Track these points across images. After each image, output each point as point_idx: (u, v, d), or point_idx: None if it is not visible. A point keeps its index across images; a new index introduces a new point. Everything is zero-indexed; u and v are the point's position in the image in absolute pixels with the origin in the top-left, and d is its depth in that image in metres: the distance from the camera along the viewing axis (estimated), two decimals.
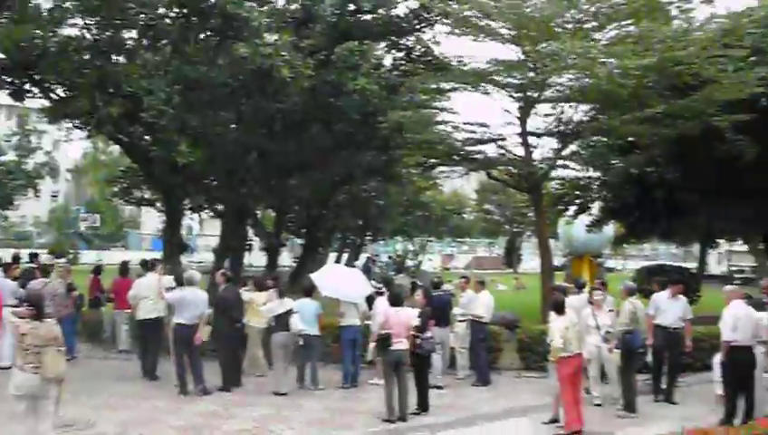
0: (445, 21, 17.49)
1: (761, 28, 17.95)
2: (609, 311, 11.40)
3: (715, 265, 60.94)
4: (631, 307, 10.81)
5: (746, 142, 17.62)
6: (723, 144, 17.88)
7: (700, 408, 11.08)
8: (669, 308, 11.73)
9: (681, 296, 12.09)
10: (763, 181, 18.94)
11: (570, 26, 16.95)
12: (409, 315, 10.70)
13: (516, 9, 15.27)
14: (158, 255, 21.29)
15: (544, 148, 19.44)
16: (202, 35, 17.99)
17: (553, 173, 21.12)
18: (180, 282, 12.44)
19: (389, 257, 44.67)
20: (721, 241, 29.36)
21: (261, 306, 12.71)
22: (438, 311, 12.44)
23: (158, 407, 11.14)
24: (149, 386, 12.56)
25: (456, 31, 17.12)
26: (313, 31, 18.92)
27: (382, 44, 21.63)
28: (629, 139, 18.76)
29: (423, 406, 10.78)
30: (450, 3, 16.04)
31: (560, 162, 19.67)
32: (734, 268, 56.20)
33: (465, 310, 13.30)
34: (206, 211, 26.90)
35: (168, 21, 17.20)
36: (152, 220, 51.62)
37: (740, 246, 44.17)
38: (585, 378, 10.91)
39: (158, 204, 25.40)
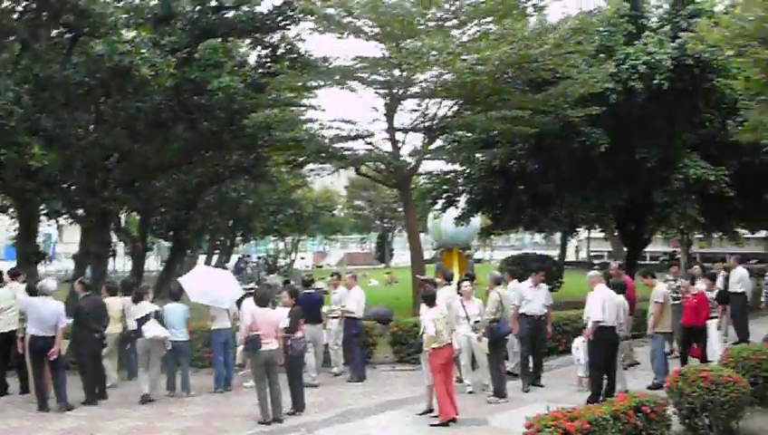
0: (309, 18, 17.37)
1: (608, 27, 19.06)
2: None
3: (576, 252, 64.11)
4: (497, 296, 11.10)
5: (599, 135, 18.67)
6: (578, 137, 18.88)
7: (565, 389, 11.66)
8: (534, 297, 12.13)
9: (543, 285, 12.58)
10: (615, 171, 20.13)
11: (432, 24, 17.31)
12: (278, 315, 10.58)
13: (379, 7, 15.35)
14: (10, 265, 19.96)
15: (411, 143, 19.81)
16: (54, 32, 17.06)
17: (421, 168, 21.56)
18: (34, 292, 11.68)
19: (259, 257, 44.06)
20: (580, 229, 30.77)
21: (116, 312, 12.19)
22: (310, 309, 12.34)
23: (12, 426, 10.43)
24: (4, 403, 11.78)
25: (320, 28, 17.10)
26: (174, 28, 18.35)
27: (246, 42, 21.29)
28: (492, 133, 19.39)
29: (297, 406, 10.66)
30: (313, 0, 15.94)
31: (427, 157, 20.05)
32: (593, 254, 59.25)
33: (337, 306, 13.28)
34: (65, 217, 25.53)
35: (14, 16, 16.15)
36: (4, 228, 48.44)
37: (598, 233, 46.55)
38: (457, 367, 11.18)
39: (11, 210, 23.83)
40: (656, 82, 17.60)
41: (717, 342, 12.49)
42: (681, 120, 19.70)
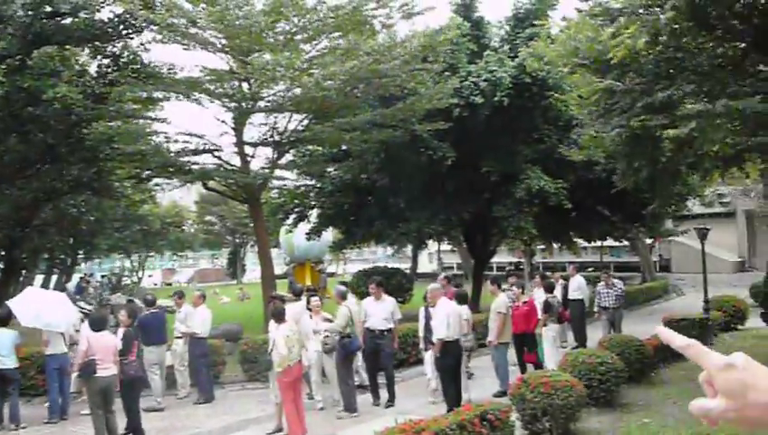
0: (152, 27, 16.71)
1: (453, 45, 19.69)
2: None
3: (428, 264, 65.63)
4: (347, 311, 11.07)
5: (446, 148, 19.22)
6: (426, 151, 19.35)
7: (416, 401, 11.74)
8: (375, 312, 11.80)
9: (387, 298, 12.25)
10: (462, 185, 20.77)
11: (281, 38, 17.18)
12: (115, 339, 10.00)
13: (225, 18, 15.02)
14: None
15: (261, 157, 19.52)
16: None
17: (273, 182, 21.29)
18: None
19: (103, 276, 41.91)
20: (430, 241, 31.53)
21: None
22: (153, 329, 11.80)
23: None
24: None
25: (164, 39, 16.47)
26: (4, 33, 17.09)
27: (86, 50, 20.18)
28: (343, 147, 19.48)
29: (136, 432, 10.10)
30: (156, 9, 15.33)
31: (277, 171, 19.83)
32: (444, 266, 60.95)
33: (182, 326, 12.77)
34: None
35: None
36: None
37: (447, 244, 47.90)
38: (307, 384, 11.03)
39: None
40: (497, 98, 18.35)
41: (552, 347, 13.09)
42: (522, 136, 20.64)
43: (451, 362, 10.64)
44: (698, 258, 20.63)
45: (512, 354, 12.82)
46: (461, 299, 11.28)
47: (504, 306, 12.22)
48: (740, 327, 19.18)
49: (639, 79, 11.71)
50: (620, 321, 16.38)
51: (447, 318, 10.52)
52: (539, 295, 14.23)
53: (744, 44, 11.66)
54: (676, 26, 10.44)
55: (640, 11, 11.46)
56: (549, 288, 13.70)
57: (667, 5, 9.80)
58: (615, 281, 16.68)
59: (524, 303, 12.74)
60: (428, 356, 11.57)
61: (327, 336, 10.96)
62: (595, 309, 16.86)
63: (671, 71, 11.59)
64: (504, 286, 15.38)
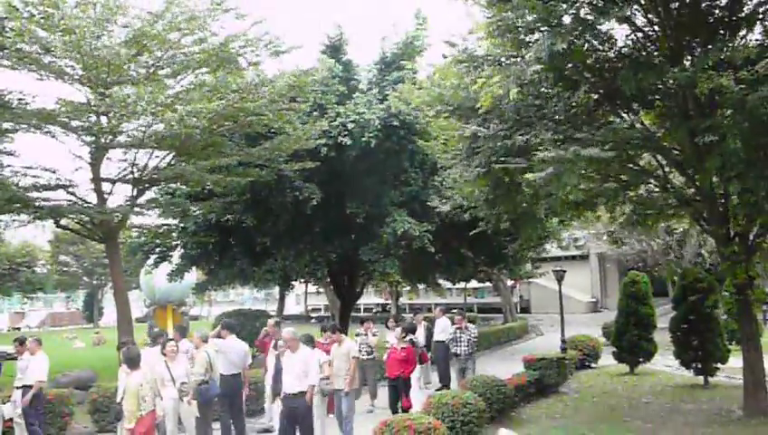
0: (0, 53, 15.65)
1: (322, 85, 19.75)
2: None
3: (294, 305, 65.07)
4: (205, 356, 10.57)
5: (312, 188, 19.11)
6: (293, 191, 19.16)
7: None
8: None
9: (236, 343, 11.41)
10: (328, 225, 20.69)
11: (143, 71, 16.60)
12: None
13: (81, 47, 14.30)
14: None
15: (120, 195, 18.62)
16: None
17: (133, 221, 20.35)
18: None
19: None
20: (295, 283, 31.15)
21: None
22: None
23: None
24: None
25: (14, 66, 15.43)
26: None
27: None
28: (207, 186, 18.92)
29: None
30: (4, 33, 14.37)
31: (137, 210, 18.94)
32: (310, 308, 60.56)
33: (21, 374, 11.66)
34: None
35: None
36: None
37: (314, 286, 47.60)
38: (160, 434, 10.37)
39: None
40: (364, 139, 18.47)
41: (415, 389, 13.08)
42: (389, 179, 20.85)
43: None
44: (556, 299, 21.46)
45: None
46: (312, 343, 10.80)
47: (356, 351, 11.99)
48: (594, 365, 19.99)
49: (502, 126, 12.11)
50: (473, 369, 14.79)
51: (306, 366, 9.80)
52: (391, 339, 14.17)
53: (596, 95, 12.32)
54: (537, 76, 10.89)
55: (503, 59, 11.91)
56: (410, 330, 13.47)
57: (529, 57, 10.19)
58: (468, 325, 15.21)
59: (402, 348, 12.59)
60: (275, 407, 11.01)
61: (183, 383, 10.39)
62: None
63: (531, 116, 12.05)
64: (358, 331, 15.32)
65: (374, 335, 15.06)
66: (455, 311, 16.16)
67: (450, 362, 15.59)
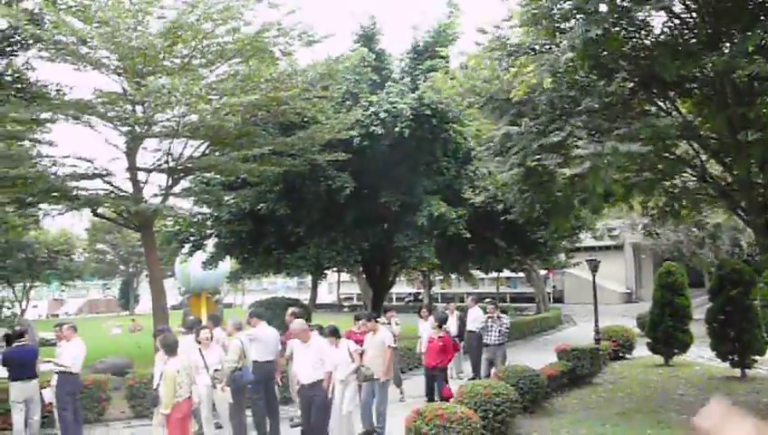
0: (39, 45, 15.91)
1: (354, 74, 19.75)
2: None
3: (327, 294, 65.41)
4: (239, 343, 10.66)
5: (345, 178, 19.14)
6: (326, 180, 19.21)
7: None
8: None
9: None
10: (361, 214, 20.73)
11: (178, 61, 16.72)
12: None
13: (116, 37, 14.45)
14: None
15: (155, 184, 18.85)
16: None
17: (167, 210, 20.58)
18: None
19: None
20: (328, 272, 31.33)
21: None
22: (21, 363, 10.98)
23: None
24: None
25: (52, 57, 15.67)
26: None
27: None
28: (241, 175, 19.06)
29: None
30: (43, 26, 14.60)
31: (172, 199, 19.19)
32: (343, 296, 60.83)
33: (57, 360, 11.83)
34: None
35: None
36: None
37: (347, 275, 47.78)
38: (196, 420, 10.50)
39: None
40: (397, 129, 18.44)
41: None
42: (422, 168, 20.80)
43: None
44: (590, 289, 21.27)
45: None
46: (335, 334, 10.78)
47: (392, 340, 11.75)
48: (628, 356, 19.81)
49: (535, 121, 12.00)
50: (503, 360, 14.46)
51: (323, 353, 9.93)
52: (424, 328, 14.15)
53: (632, 84, 12.15)
54: (572, 65, 10.76)
55: (537, 47, 11.80)
56: (442, 320, 13.22)
57: (563, 45, 10.08)
58: (501, 315, 14.83)
59: (440, 337, 12.51)
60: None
61: (216, 370, 10.51)
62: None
63: (565, 108, 11.93)
64: (381, 320, 15.25)
65: (397, 325, 15.01)
66: (487, 300, 15.98)
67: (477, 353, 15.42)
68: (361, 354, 10.95)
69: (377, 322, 11.88)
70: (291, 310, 12.81)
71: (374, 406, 11.12)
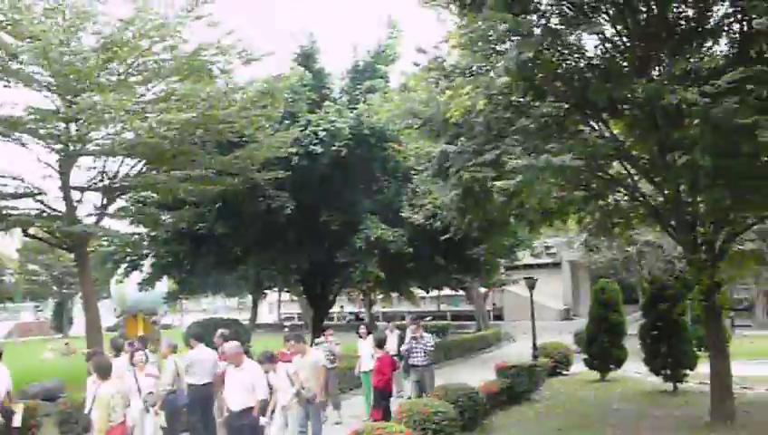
0: None
1: (293, 93, 19.72)
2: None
3: (268, 314, 64.76)
4: (173, 366, 10.46)
5: (285, 197, 19.05)
6: (265, 199, 19.08)
7: None
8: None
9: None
10: (301, 233, 20.63)
11: (114, 78, 16.45)
12: None
13: (49, 53, 14.14)
14: None
15: (89, 203, 18.41)
16: None
17: (102, 230, 20.09)
18: None
19: None
20: (268, 291, 31.04)
21: None
22: None
23: None
24: None
25: None
26: None
27: None
28: (179, 194, 18.77)
29: None
30: None
31: (107, 219, 18.76)
32: (284, 316, 60.30)
33: None
34: None
35: None
36: None
37: (287, 294, 47.38)
38: None
39: None
40: (335, 148, 18.46)
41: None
42: (362, 186, 20.86)
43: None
44: (528, 307, 21.55)
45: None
46: (269, 359, 10.32)
47: (324, 360, 11.61)
48: (565, 372, 20.10)
49: (471, 141, 12.16)
50: (432, 381, 13.97)
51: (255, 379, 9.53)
52: (363, 348, 14.09)
53: (566, 105, 12.43)
54: (507, 87, 10.96)
55: (473, 69, 12.00)
56: (380, 341, 12.77)
57: (499, 68, 10.26)
58: (424, 334, 14.13)
59: (378, 358, 12.41)
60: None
61: (149, 393, 10.26)
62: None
63: (502, 127, 12.13)
64: (317, 340, 15.14)
65: (336, 344, 14.92)
66: (428, 318, 16.00)
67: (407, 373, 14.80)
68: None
69: (304, 342, 11.29)
70: (219, 331, 12.13)
71: (308, 431, 10.91)
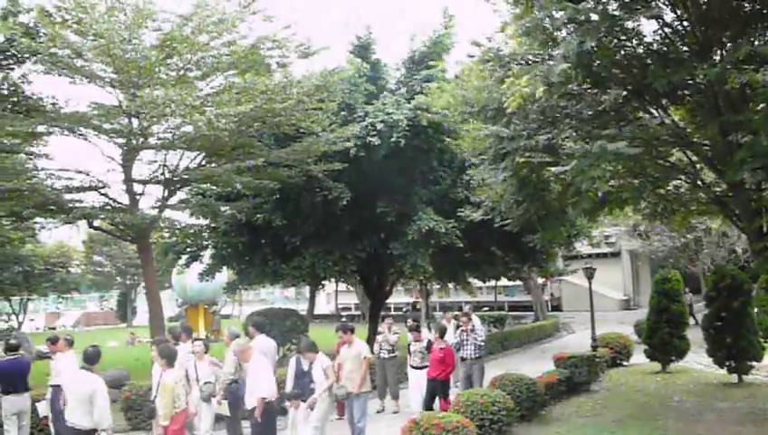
0: (35, 58, 15.97)
1: (350, 85, 19.81)
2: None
3: (325, 305, 65.35)
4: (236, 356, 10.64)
5: (342, 189, 19.17)
6: (322, 191, 19.24)
7: None
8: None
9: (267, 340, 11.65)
10: (357, 224, 20.74)
11: (174, 73, 16.79)
12: None
13: (112, 50, 14.52)
14: None
15: (152, 195, 18.87)
16: None
17: (164, 222, 20.56)
18: None
19: None
20: (326, 282, 31.28)
21: None
22: (13, 377, 10.97)
23: None
24: None
25: (47, 70, 15.71)
26: None
27: None
28: (237, 186, 19.07)
29: None
30: (38, 39, 14.65)
31: (169, 210, 19.20)
32: (341, 307, 60.77)
33: (53, 373, 11.82)
34: None
35: None
36: None
37: (345, 285, 47.73)
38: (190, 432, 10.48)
39: None
40: (393, 140, 18.47)
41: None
42: (418, 177, 20.82)
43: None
44: (587, 297, 21.29)
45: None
46: (311, 348, 10.37)
47: (368, 351, 11.63)
48: (625, 363, 19.82)
49: (524, 125, 12.06)
50: (481, 375, 13.73)
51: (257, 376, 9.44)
52: (410, 339, 14.14)
53: (624, 92, 12.21)
54: (565, 75, 10.81)
55: (530, 58, 11.87)
56: (440, 331, 13.02)
57: (557, 56, 10.13)
58: (476, 328, 13.91)
59: (441, 348, 12.44)
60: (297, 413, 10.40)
61: (206, 383, 10.45)
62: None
63: (557, 116, 11.99)
64: (379, 329, 15.21)
65: (395, 334, 15.00)
66: (485, 308, 15.97)
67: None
68: (339, 368, 10.81)
69: (352, 333, 11.45)
70: (228, 330, 11.69)
71: (353, 421, 10.97)
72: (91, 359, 8.37)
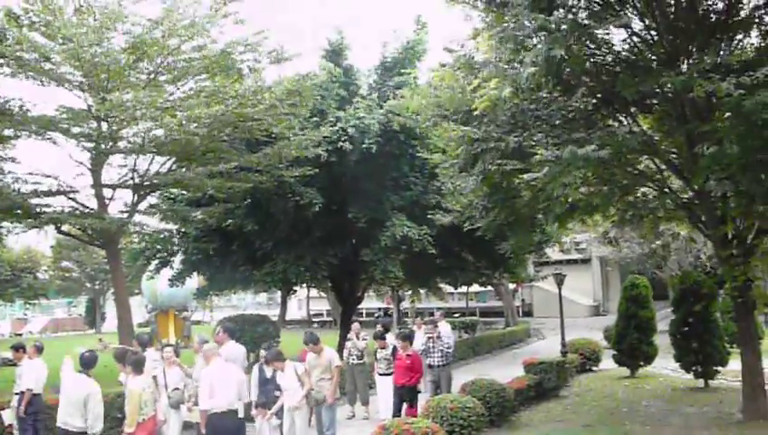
0: (1, 61, 15.70)
1: (322, 90, 19.78)
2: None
3: (297, 311, 65.11)
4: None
5: (313, 194, 19.12)
6: (293, 196, 19.17)
7: None
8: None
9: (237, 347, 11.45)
10: (329, 230, 20.70)
11: (144, 77, 16.66)
12: None
13: (81, 54, 14.36)
14: None
15: (121, 200, 18.67)
16: None
17: (134, 227, 20.34)
18: None
19: None
20: (297, 287, 31.14)
21: None
22: None
23: None
24: None
25: (14, 74, 15.45)
26: None
27: None
28: (208, 191, 18.93)
29: None
30: (5, 42, 14.39)
31: (138, 215, 18.99)
32: (312, 312, 60.57)
33: (18, 380, 11.63)
34: None
35: None
36: None
37: (317, 291, 47.58)
38: None
39: None
40: (365, 145, 18.48)
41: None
42: (390, 183, 20.84)
43: None
44: (557, 303, 21.46)
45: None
46: (278, 357, 10.34)
47: (338, 360, 11.59)
48: (594, 369, 20.00)
49: (495, 128, 12.12)
50: (448, 382, 13.74)
51: (213, 383, 9.02)
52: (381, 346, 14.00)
53: (594, 100, 12.36)
54: (534, 81, 10.91)
55: (500, 64, 11.95)
56: (407, 337, 12.69)
57: (526, 61, 10.21)
58: (442, 335, 13.80)
59: (408, 355, 12.36)
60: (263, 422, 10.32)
61: (175, 390, 10.35)
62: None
63: (527, 122, 12.08)
64: (348, 336, 15.17)
65: (363, 340, 14.97)
66: (457, 314, 16.01)
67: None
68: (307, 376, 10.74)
69: (316, 344, 11.22)
70: (198, 338, 11.57)
71: (323, 428, 10.96)
72: (88, 364, 8.61)
